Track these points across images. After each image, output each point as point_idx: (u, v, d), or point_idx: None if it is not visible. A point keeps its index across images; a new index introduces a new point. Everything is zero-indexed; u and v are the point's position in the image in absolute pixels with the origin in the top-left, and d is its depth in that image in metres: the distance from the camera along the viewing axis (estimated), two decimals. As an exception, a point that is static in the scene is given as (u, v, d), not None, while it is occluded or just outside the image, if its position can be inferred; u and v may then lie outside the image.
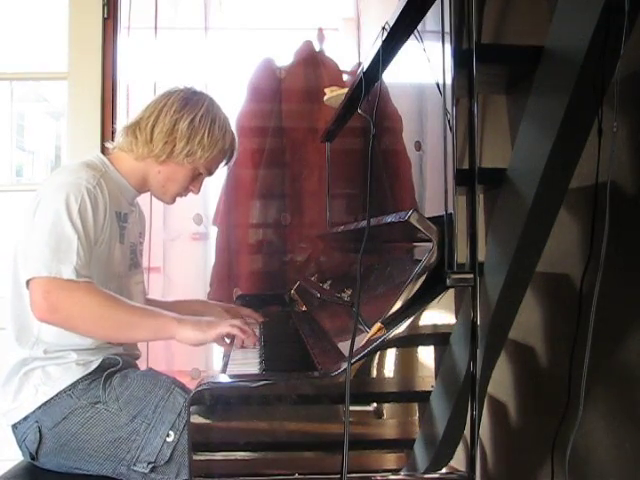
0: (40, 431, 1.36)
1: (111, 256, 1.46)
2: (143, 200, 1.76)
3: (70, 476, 1.38)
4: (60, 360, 1.39)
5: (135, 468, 1.31)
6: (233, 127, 1.61)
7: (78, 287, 1.29)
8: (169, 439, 1.29)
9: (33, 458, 1.39)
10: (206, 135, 1.49)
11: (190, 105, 1.51)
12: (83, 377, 1.38)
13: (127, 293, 1.53)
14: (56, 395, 1.36)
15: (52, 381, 1.38)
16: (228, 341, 1.46)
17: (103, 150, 1.82)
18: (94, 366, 1.40)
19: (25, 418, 1.38)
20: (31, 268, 1.29)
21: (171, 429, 1.29)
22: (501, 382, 1.03)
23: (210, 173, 1.60)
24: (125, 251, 1.53)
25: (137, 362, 1.59)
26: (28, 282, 1.29)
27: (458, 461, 1.00)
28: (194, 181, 1.58)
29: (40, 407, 1.37)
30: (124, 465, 1.33)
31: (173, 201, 1.62)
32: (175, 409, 1.30)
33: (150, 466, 1.30)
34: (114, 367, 1.42)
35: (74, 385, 1.37)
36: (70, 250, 1.30)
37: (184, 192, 1.60)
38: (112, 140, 1.60)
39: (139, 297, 1.62)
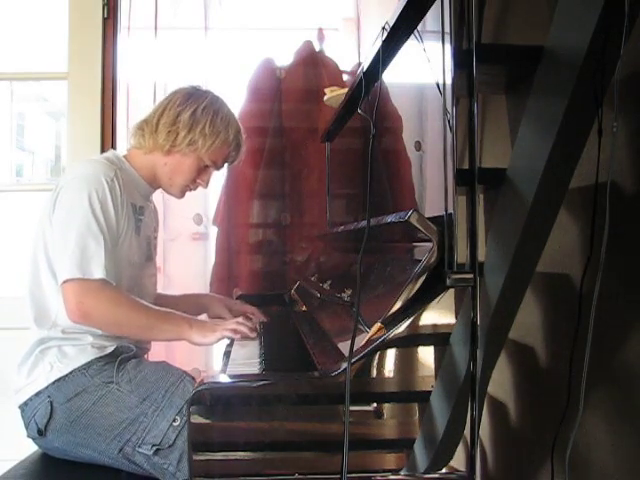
0: (52, 406, 1.39)
1: (127, 246, 1.52)
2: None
3: (77, 466, 1.41)
4: (76, 342, 1.44)
5: (140, 450, 1.34)
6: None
7: (108, 296, 1.39)
8: (175, 423, 1.32)
9: (41, 433, 1.41)
10: (207, 125, 1.55)
11: (193, 98, 1.58)
12: (98, 358, 1.43)
13: (140, 284, 1.59)
14: (70, 373, 1.41)
15: (67, 359, 1.43)
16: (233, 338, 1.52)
17: (103, 150, 1.86)
18: (108, 350, 1.45)
19: (37, 394, 1.41)
20: (65, 270, 1.38)
21: (178, 414, 1.32)
22: (501, 382, 1.03)
23: (217, 166, 1.64)
24: (141, 243, 1.60)
25: (145, 357, 1.63)
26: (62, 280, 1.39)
27: (458, 461, 1.00)
28: (201, 174, 1.63)
29: (54, 383, 1.41)
30: (129, 446, 1.35)
31: (182, 194, 1.67)
32: (184, 395, 1.33)
33: (154, 449, 1.32)
34: (128, 353, 1.48)
35: (89, 364, 1.42)
36: (98, 248, 1.39)
37: (192, 185, 1.65)
38: (111, 144, 1.66)
39: (151, 289, 1.68)
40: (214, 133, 1.56)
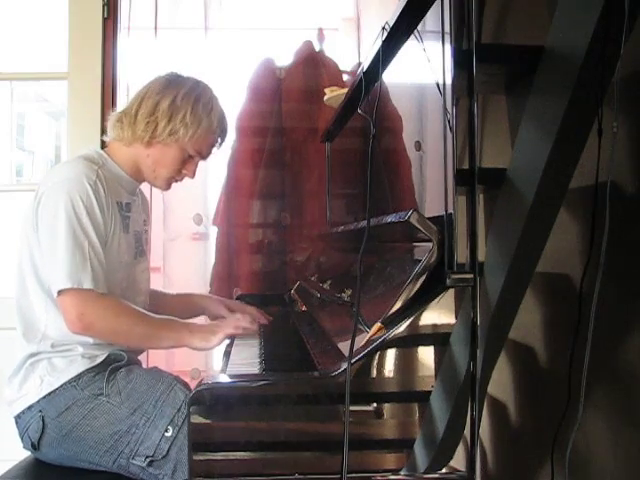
0: (43, 421, 1.38)
1: (117, 246, 1.48)
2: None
3: (72, 471, 1.39)
4: (66, 353, 1.42)
5: (134, 461, 1.33)
6: (232, 123, 1.62)
7: (108, 305, 1.38)
8: (167, 434, 1.31)
9: (35, 448, 1.40)
10: (188, 113, 1.47)
11: (172, 85, 1.51)
12: (88, 369, 1.41)
13: (133, 281, 1.56)
14: (61, 386, 1.39)
15: (57, 372, 1.40)
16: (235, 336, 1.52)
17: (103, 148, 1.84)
18: (99, 360, 1.42)
19: (29, 407, 1.40)
20: (58, 280, 1.35)
21: (170, 424, 1.31)
22: (501, 382, 1.03)
23: (202, 155, 1.56)
24: (130, 240, 1.55)
25: (139, 358, 1.61)
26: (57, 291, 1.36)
27: (458, 461, 1.00)
28: (186, 164, 1.55)
29: (44, 397, 1.39)
30: (123, 458, 1.34)
31: (167, 186, 1.60)
32: (175, 404, 1.32)
33: (148, 460, 1.31)
34: (119, 362, 1.45)
35: (79, 377, 1.40)
36: (84, 257, 1.36)
37: (177, 176, 1.57)
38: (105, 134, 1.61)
39: (144, 284, 1.64)
40: (196, 121, 1.47)
